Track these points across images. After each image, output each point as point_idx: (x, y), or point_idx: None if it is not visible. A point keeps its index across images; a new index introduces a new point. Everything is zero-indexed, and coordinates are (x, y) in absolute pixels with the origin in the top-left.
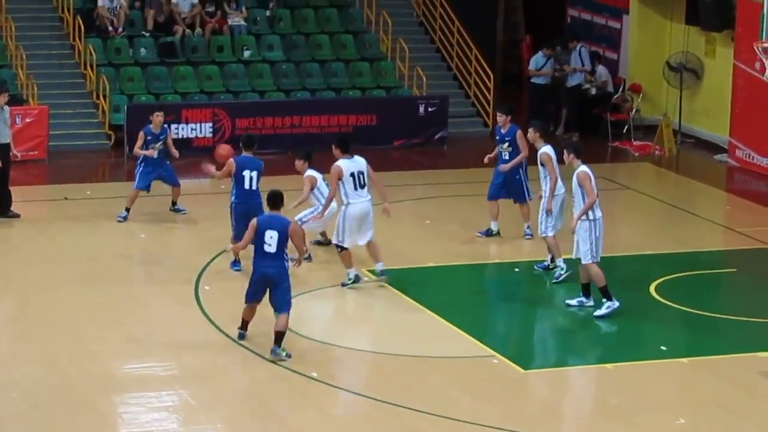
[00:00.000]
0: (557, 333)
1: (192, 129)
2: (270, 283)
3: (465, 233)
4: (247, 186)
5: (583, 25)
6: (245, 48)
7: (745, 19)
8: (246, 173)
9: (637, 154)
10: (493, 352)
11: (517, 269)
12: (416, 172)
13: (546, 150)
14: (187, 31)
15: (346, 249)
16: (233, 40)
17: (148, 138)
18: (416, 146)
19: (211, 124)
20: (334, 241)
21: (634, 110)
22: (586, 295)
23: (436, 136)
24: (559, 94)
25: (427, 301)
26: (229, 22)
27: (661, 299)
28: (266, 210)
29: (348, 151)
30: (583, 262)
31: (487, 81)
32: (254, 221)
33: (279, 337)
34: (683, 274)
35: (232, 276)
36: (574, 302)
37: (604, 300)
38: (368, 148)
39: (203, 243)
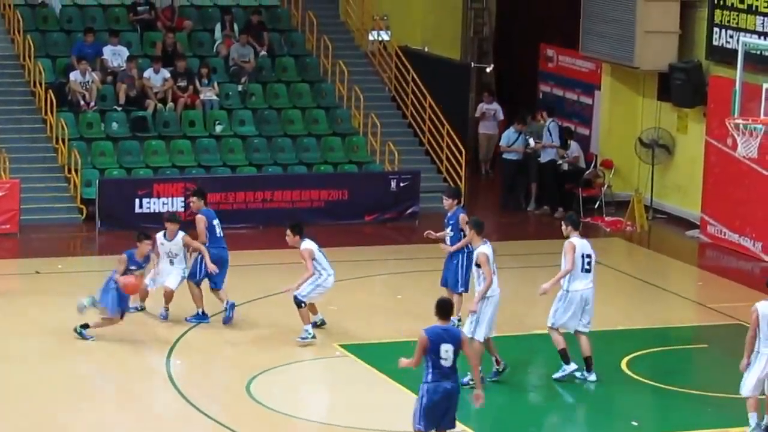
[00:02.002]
0: (528, 409)
1: (163, 203)
2: (452, 401)
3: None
4: (218, 234)
5: (555, 100)
6: (217, 122)
7: (716, 95)
8: (215, 222)
9: (608, 230)
10: (464, 427)
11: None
12: (388, 247)
13: (483, 250)
14: (159, 105)
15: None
16: (205, 114)
17: (131, 267)
18: (388, 221)
19: (182, 199)
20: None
21: (605, 186)
22: (587, 368)
23: (408, 211)
24: (530, 170)
25: (398, 375)
26: (201, 96)
27: (632, 374)
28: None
29: (302, 235)
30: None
31: (459, 156)
32: (424, 335)
33: None
34: (654, 349)
35: (204, 349)
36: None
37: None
38: (340, 223)
39: (175, 315)
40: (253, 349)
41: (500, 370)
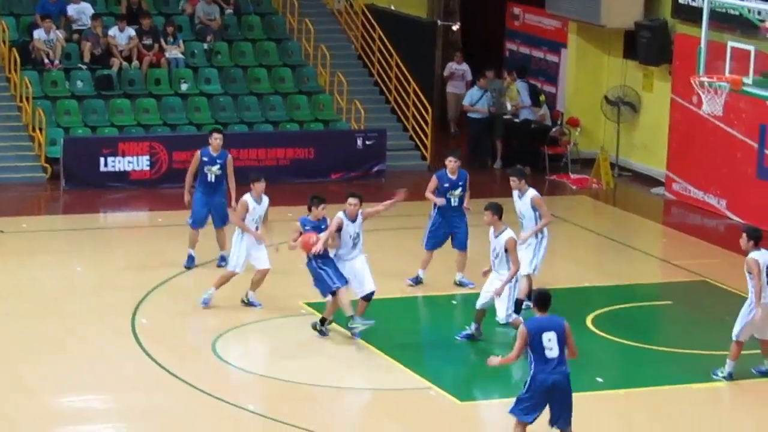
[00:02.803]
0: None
1: (129, 162)
2: (558, 392)
3: (403, 266)
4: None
5: (522, 58)
6: (182, 81)
7: (682, 53)
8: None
9: (574, 188)
10: (430, 384)
11: (454, 301)
12: None
13: (512, 235)
14: (124, 63)
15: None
16: (170, 73)
17: (204, 159)
18: (354, 179)
19: (148, 157)
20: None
21: (571, 144)
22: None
23: (374, 170)
24: (495, 128)
25: (365, 334)
26: (167, 55)
27: (597, 332)
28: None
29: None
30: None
31: (425, 114)
32: (523, 327)
33: None
34: (620, 306)
35: (169, 309)
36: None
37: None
38: (306, 181)
39: (141, 276)
40: (219, 308)
41: (474, 335)
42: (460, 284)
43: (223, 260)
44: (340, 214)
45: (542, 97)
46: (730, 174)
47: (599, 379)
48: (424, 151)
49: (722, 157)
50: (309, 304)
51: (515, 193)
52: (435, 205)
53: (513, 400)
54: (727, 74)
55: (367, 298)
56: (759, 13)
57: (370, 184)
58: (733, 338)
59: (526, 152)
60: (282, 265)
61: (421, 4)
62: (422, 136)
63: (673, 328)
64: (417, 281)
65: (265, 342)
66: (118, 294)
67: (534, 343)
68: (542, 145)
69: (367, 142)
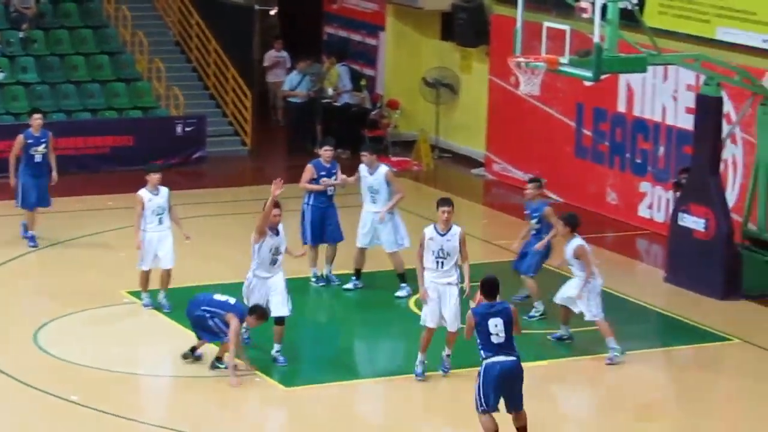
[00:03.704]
0: (325, 350)
1: None
2: (514, 378)
3: (227, 252)
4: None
5: (340, 42)
6: None
7: (499, 34)
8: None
9: (395, 170)
10: (255, 371)
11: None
12: (175, 192)
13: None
14: None
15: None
16: None
17: (29, 141)
18: (174, 166)
19: None
20: None
21: (391, 126)
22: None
23: (195, 156)
24: (315, 112)
25: (184, 320)
26: None
27: (420, 314)
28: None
29: None
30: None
31: (244, 100)
32: (470, 314)
33: None
34: None
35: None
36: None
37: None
38: (126, 169)
39: None
40: (41, 297)
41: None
42: (328, 279)
43: (32, 240)
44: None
45: (363, 82)
46: (549, 153)
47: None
48: (244, 137)
49: (541, 137)
50: (131, 293)
51: (365, 169)
52: (310, 196)
53: (338, 384)
54: (543, 54)
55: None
56: None
57: (191, 170)
58: (595, 319)
59: (347, 135)
60: (105, 254)
61: None
62: (242, 121)
63: None
64: (324, 279)
65: (87, 332)
66: None
67: (481, 329)
68: (362, 128)
69: (187, 129)
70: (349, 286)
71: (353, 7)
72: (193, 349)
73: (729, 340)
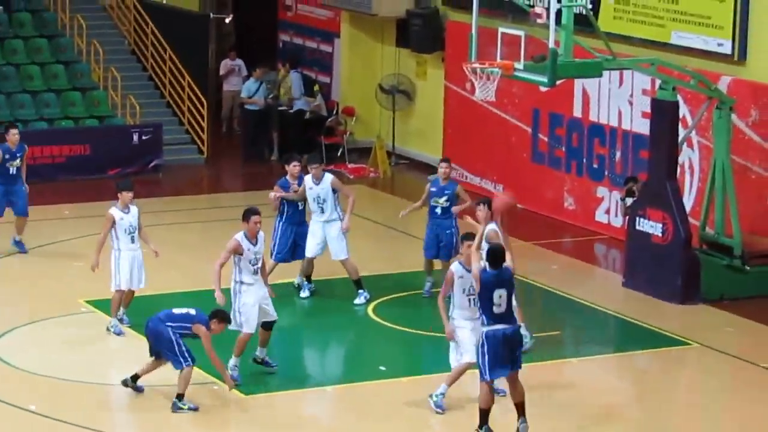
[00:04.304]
0: (281, 358)
1: None
2: (515, 343)
3: (184, 260)
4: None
5: (295, 49)
6: None
7: (454, 40)
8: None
9: (352, 177)
10: (214, 380)
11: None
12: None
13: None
14: None
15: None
16: None
17: (6, 156)
18: (131, 175)
19: None
20: None
21: (347, 133)
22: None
23: (151, 164)
24: (271, 120)
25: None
26: None
27: (379, 320)
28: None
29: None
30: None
31: (200, 108)
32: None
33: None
34: (400, 294)
35: None
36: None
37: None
38: (83, 178)
39: None
40: None
41: None
42: (299, 287)
43: (20, 245)
44: (239, 236)
45: (316, 87)
46: (506, 159)
47: (382, 368)
48: (200, 145)
49: (497, 142)
50: (89, 302)
51: (310, 180)
52: (282, 214)
53: (299, 392)
54: (498, 60)
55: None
56: None
57: (148, 179)
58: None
59: (303, 143)
60: (62, 263)
61: None
62: (198, 129)
63: None
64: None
65: (45, 341)
66: None
67: (483, 296)
68: (318, 135)
69: (143, 137)
70: (305, 294)
71: (308, 15)
72: (135, 378)
73: (688, 344)
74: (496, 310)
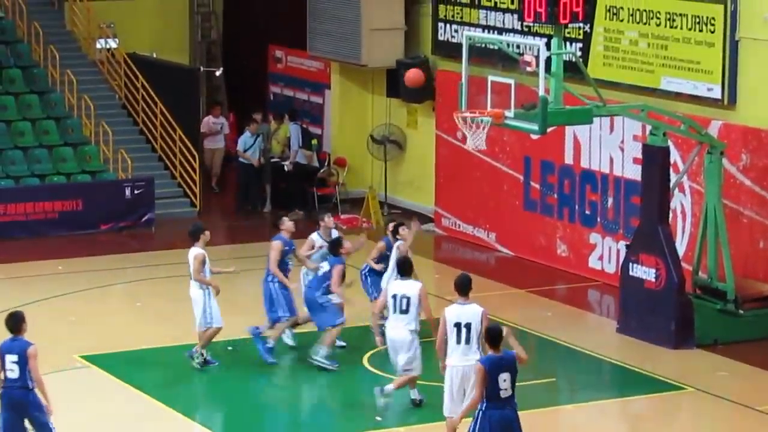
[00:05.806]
0: (269, 410)
1: None
2: (513, 428)
3: (177, 314)
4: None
5: (286, 101)
6: None
7: (444, 89)
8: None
9: (344, 228)
10: (206, 431)
11: (230, 347)
12: (125, 255)
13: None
14: None
15: None
16: None
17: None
18: (124, 229)
19: None
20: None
21: (339, 184)
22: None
23: (144, 218)
24: (264, 173)
25: (141, 383)
26: None
27: (374, 370)
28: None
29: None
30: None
31: (192, 161)
32: (481, 366)
33: None
34: None
35: None
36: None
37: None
38: (75, 233)
39: None
40: None
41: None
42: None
43: None
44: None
45: (314, 141)
46: (498, 207)
47: (378, 418)
48: (193, 198)
49: (489, 191)
50: (84, 357)
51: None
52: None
53: None
54: (488, 108)
55: None
56: (518, 47)
57: (140, 233)
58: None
59: (295, 194)
60: (57, 318)
61: (183, 50)
62: (190, 182)
63: None
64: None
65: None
66: None
67: (490, 383)
68: (311, 187)
69: (135, 192)
70: (291, 342)
71: (298, 66)
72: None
73: (683, 388)
74: (502, 394)
